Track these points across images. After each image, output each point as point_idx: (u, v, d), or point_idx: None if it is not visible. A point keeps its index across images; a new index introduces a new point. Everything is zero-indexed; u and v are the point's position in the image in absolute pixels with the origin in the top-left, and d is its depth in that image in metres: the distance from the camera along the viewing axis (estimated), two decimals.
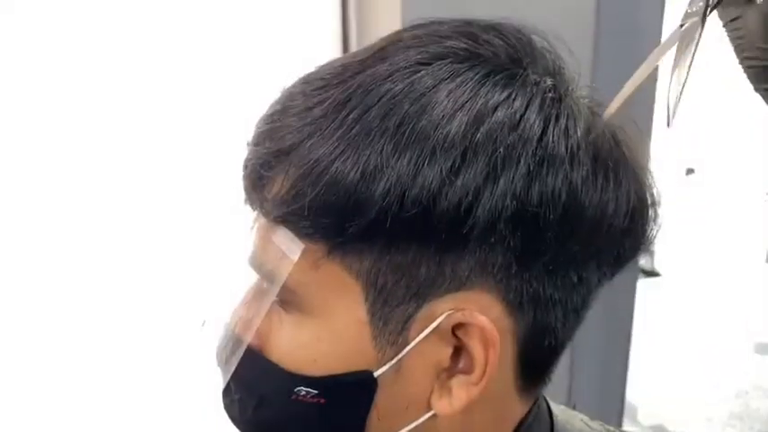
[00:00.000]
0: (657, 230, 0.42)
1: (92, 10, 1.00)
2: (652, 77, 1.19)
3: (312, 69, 0.43)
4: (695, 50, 0.44)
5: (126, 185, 1.07)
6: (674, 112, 0.43)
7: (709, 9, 0.44)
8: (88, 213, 1.06)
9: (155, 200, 1.09)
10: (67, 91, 1.01)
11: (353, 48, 1.15)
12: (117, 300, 1.09)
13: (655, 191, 0.41)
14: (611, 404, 1.30)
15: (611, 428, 0.53)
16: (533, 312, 0.39)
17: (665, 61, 0.48)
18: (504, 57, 0.39)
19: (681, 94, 0.43)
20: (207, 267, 1.03)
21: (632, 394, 1.49)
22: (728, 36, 0.58)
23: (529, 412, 0.45)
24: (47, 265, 1.05)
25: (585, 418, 0.53)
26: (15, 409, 1.08)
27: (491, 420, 0.43)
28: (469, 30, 0.40)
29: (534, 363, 0.42)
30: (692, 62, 0.44)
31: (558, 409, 0.50)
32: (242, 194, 0.43)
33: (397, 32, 0.42)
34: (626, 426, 1.74)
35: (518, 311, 0.39)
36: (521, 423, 0.45)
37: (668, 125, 0.41)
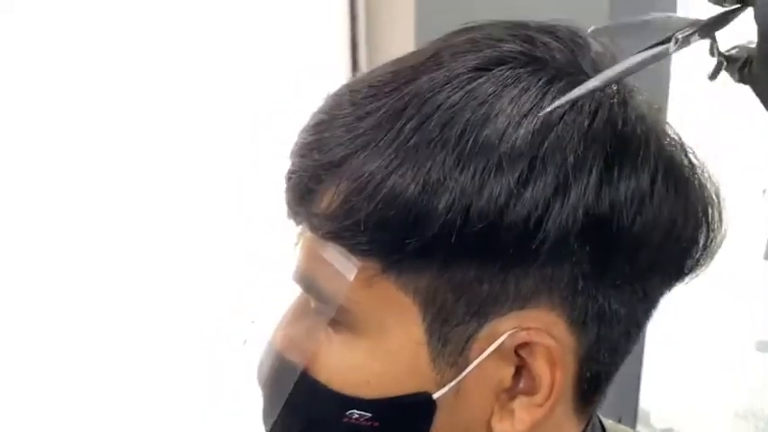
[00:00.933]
0: (721, 241, 0.40)
1: (94, 10, 0.98)
2: (665, 81, 1.18)
3: (357, 77, 0.41)
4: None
5: (132, 189, 1.05)
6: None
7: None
8: (101, 217, 1.04)
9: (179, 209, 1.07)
10: (70, 91, 0.99)
11: (362, 51, 1.13)
12: (125, 304, 1.07)
13: (720, 200, 0.40)
14: (625, 410, 1.29)
15: None
16: (597, 329, 0.38)
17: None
18: (563, 61, 0.38)
19: None
20: (243, 280, 1.01)
21: (643, 398, 1.48)
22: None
23: (584, 430, 0.43)
24: (50, 268, 1.03)
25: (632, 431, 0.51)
26: (17, 409, 1.06)
27: None
28: (525, 32, 0.39)
29: (593, 380, 0.40)
30: None
31: (608, 424, 0.48)
32: (284, 208, 0.41)
33: (448, 36, 0.40)
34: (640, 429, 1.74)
35: (581, 329, 0.38)
36: None
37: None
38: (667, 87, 1.12)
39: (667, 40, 0.34)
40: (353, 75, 1.11)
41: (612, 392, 0.43)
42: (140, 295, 1.07)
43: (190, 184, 1.06)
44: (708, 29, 0.34)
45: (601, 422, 0.47)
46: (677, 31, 0.34)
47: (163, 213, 1.07)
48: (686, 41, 0.34)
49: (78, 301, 1.04)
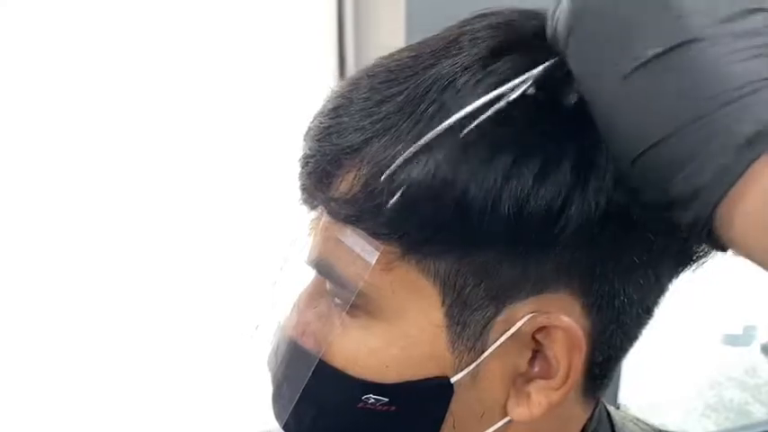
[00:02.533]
0: None
1: (78, 10, 0.96)
2: None
3: (374, 61, 0.41)
4: None
5: (131, 185, 1.04)
6: None
7: None
8: (99, 214, 1.02)
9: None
10: (66, 89, 0.97)
11: (350, 45, 1.13)
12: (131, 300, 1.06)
13: None
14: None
15: (660, 428, 0.52)
16: (611, 313, 0.38)
17: None
18: None
19: None
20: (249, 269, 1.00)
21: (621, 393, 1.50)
22: None
23: (592, 415, 0.44)
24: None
25: (634, 418, 0.52)
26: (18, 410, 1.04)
27: (559, 425, 0.42)
28: (542, 22, 0.39)
29: (604, 364, 0.41)
30: None
31: (612, 410, 0.49)
32: (299, 192, 0.41)
33: (467, 21, 0.40)
34: None
35: (596, 313, 0.38)
36: (585, 426, 0.44)
37: None
38: None
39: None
40: (340, 72, 1.11)
41: None
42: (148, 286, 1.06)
43: (182, 180, 1.05)
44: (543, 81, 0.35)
45: (605, 407, 0.48)
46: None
47: (160, 210, 1.05)
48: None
49: (83, 299, 1.03)
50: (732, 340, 2.74)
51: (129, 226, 1.04)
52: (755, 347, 2.43)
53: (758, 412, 2.20)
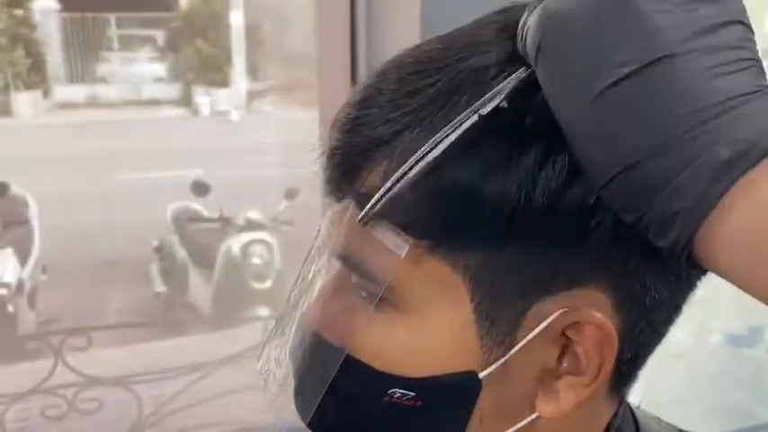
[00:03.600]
0: None
1: None
2: None
3: (401, 51, 0.40)
4: None
5: None
6: None
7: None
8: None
9: None
10: None
11: (362, 39, 1.12)
12: None
13: None
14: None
15: (681, 428, 0.52)
16: (640, 310, 0.38)
17: None
18: None
19: None
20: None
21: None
22: None
23: (616, 413, 0.44)
24: None
25: (656, 417, 0.52)
26: None
27: (585, 422, 0.41)
28: None
29: (632, 362, 0.40)
30: None
31: (635, 409, 0.49)
32: (324, 184, 0.41)
33: (498, 14, 0.39)
34: None
35: (627, 310, 0.38)
36: (610, 424, 0.43)
37: None
38: None
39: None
40: (352, 68, 1.10)
41: None
42: None
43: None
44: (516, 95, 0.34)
45: (629, 405, 0.47)
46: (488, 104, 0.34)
47: None
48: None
49: None
50: (737, 341, 2.73)
51: None
52: (761, 349, 2.42)
53: (763, 414, 2.19)
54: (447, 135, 0.35)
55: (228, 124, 5.78)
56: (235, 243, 3.13)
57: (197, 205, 3.52)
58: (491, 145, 0.34)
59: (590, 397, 0.38)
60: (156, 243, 3.46)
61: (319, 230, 0.43)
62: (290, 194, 3.13)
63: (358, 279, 0.39)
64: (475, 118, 0.34)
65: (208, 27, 6.10)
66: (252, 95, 6.03)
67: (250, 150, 3.97)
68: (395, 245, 0.36)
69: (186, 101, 6.42)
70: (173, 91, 6.64)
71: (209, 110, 6.12)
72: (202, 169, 3.82)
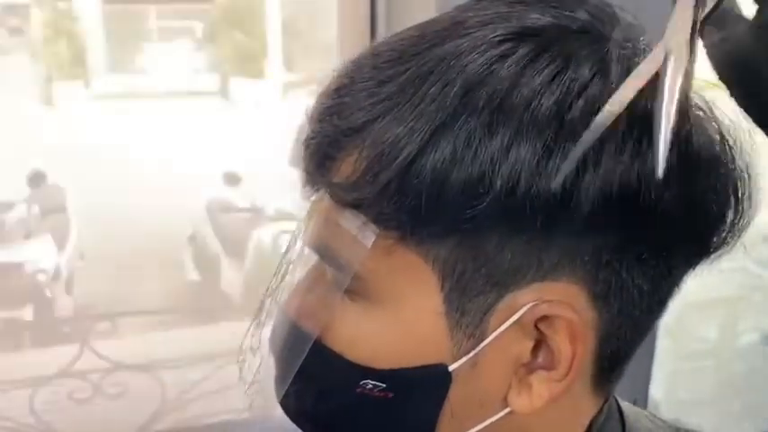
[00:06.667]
0: (750, 220, 0.39)
1: None
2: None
3: (379, 41, 0.40)
4: (682, 83, 0.33)
5: None
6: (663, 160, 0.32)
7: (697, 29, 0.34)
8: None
9: None
10: None
11: (382, 33, 1.12)
12: None
13: (752, 177, 0.39)
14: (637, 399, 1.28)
15: (678, 426, 0.51)
16: (619, 304, 0.37)
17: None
18: (591, 30, 0.37)
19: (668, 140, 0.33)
20: None
21: (653, 389, 1.47)
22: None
23: (601, 410, 0.43)
24: None
25: (649, 415, 0.50)
26: None
27: (565, 418, 0.41)
28: (554, 2, 0.37)
29: (613, 357, 0.40)
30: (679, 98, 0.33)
31: (624, 405, 0.48)
32: (302, 175, 0.41)
33: (474, 2, 0.39)
34: None
35: (603, 303, 0.37)
36: (593, 421, 0.42)
37: (658, 175, 0.32)
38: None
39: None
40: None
41: (623, 382, 0.42)
42: None
43: None
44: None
45: (617, 403, 0.46)
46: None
47: None
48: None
49: None
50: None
51: None
52: None
53: None
54: (415, 123, 0.34)
55: (264, 115, 5.83)
56: (265, 233, 3.17)
57: (230, 195, 3.57)
58: (457, 134, 0.34)
59: (564, 392, 0.37)
60: (190, 232, 3.52)
61: (299, 222, 0.43)
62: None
63: (330, 269, 0.39)
64: (440, 104, 0.34)
65: (245, 18, 6.16)
66: (287, 87, 6.07)
67: (284, 141, 4.00)
68: (363, 235, 0.36)
69: (223, 92, 6.50)
70: (210, 82, 6.72)
71: (245, 101, 6.18)
72: (236, 159, 3.86)
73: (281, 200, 3.28)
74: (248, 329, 0.45)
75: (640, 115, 0.34)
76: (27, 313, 2.64)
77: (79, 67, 5.84)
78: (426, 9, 0.99)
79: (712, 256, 0.39)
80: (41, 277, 2.85)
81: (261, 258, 3.16)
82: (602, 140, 0.33)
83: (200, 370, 1.66)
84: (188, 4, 7.03)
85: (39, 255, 2.91)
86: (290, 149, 0.41)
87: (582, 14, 0.37)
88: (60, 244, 3.09)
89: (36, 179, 3.29)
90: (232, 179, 3.47)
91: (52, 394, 1.56)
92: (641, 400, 1.31)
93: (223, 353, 1.69)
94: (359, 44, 1.12)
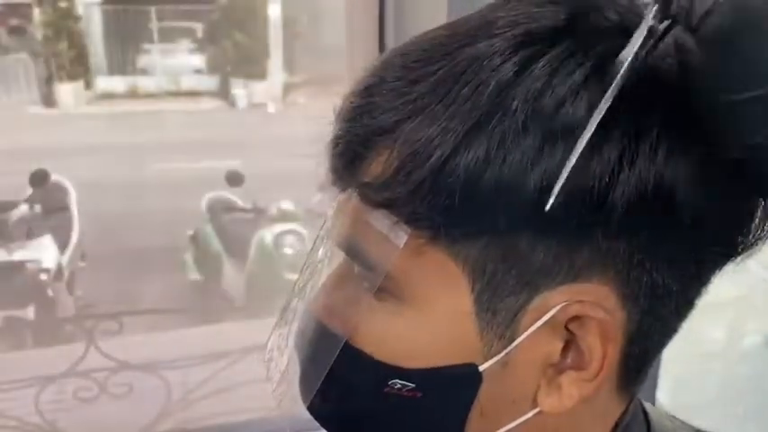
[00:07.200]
0: None
1: None
2: None
3: (408, 40, 0.40)
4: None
5: None
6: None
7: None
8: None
9: None
10: None
11: (390, 33, 1.12)
12: None
13: None
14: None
15: (698, 428, 0.51)
16: (648, 305, 0.37)
17: None
18: (623, 30, 0.37)
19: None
20: None
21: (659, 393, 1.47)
22: None
23: (626, 410, 0.43)
24: None
25: (671, 416, 0.50)
26: None
27: (593, 419, 0.41)
28: (583, 1, 0.37)
29: (640, 358, 0.39)
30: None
31: (648, 407, 0.48)
32: (328, 173, 0.41)
33: (506, 1, 0.39)
34: None
35: (632, 304, 0.37)
36: (618, 422, 0.42)
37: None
38: None
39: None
40: (380, 52, 1.10)
41: None
42: None
43: None
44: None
45: (641, 404, 0.46)
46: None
47: None
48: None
49: None
50: None
51: None
52: None
53: None
54: (447, 124, 0.34)
55: (264, 116, 5.83)
56: (267, 233, 3.16)
57: (232, 195, 3.57)
58: (490, 135, 0.34)
59: (594, 393, 0.37)
60: (191, 232, 3.52)
61: (325, 220, 0.43)
62: (324, 186, 3.15)
63: (359, 269, 0.39)
64: (473, 104, 0.34)
65: (246, 20, 6.16)
66: (288, 88, 6.08)
67: (285, 142, 4.01)
68: (393, 234, 0.36)
69: (224, 93, 6.50)
70: (211, 83, 6.72)
71: (246, 102, 6.18)
72: (238, 160, 3.87)
73: (283, 200, 3.29)
74: (273, 329, 0.45)
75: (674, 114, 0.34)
76: (29, 313, 2.64)
77: (81, 68, 5.84)
78: (437, 11, 0.99)
79: (740, 257, 0.39)
80: (43, 276, 2.85)
81: (262, 258, 3.16)
82: (637, 140, 0.33)
83: (203, 370, 1.66)
84: (189, 4, 7.03)
85: (40, 254, 2.91)
86: (312, 150, 0.41)
87: (612, 14, 0.37)
88: (62, 244, 3.09)
89: (38, 179, 3.29)
90: (234, 179, 3.47)
91: (57, 393, 1.56)
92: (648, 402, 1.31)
93: (226, 353, 1.69)
94: (367, 46, 1.12)
